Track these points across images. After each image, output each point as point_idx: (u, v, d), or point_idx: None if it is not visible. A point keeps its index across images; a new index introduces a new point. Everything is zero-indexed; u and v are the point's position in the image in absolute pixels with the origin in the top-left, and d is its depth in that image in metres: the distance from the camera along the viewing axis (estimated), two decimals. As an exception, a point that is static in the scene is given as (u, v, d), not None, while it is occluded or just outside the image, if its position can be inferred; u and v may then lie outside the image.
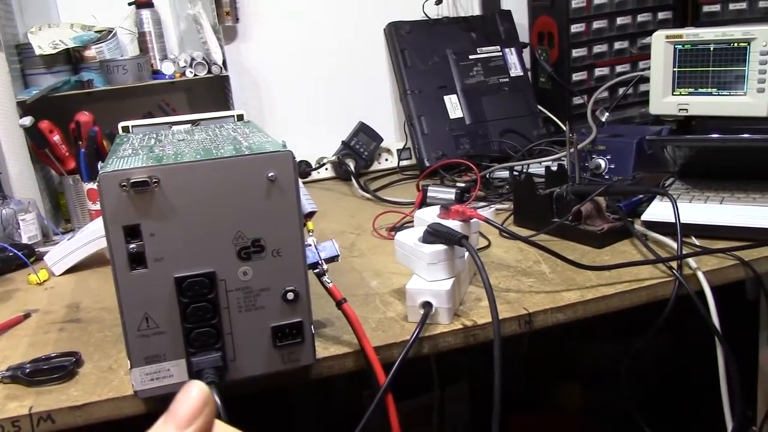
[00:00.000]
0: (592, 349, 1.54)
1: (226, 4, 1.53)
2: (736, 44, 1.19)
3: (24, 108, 1.33)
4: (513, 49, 1.73)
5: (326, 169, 1.66)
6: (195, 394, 0.31)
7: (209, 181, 0.61)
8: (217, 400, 0.56)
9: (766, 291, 1.03)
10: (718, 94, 1.22)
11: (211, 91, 1.57)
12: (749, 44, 1.17)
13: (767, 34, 1.16)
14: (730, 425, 0.89)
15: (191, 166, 0.61)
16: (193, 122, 0.99)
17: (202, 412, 0.31)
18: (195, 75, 1.45)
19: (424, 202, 1.24)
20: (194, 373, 0.63)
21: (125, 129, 0.97)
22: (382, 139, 1.67)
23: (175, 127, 0.95)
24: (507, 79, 1.71)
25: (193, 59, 1.46)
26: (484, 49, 1.70)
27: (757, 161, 1.11)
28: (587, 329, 1.32)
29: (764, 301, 1.05)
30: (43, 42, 1.36)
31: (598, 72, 1.72)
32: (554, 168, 1.15)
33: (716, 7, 1.66)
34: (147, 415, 0.69)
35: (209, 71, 1.46)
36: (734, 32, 1.18)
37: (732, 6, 1.62)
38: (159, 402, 0.66)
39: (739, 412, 0.88)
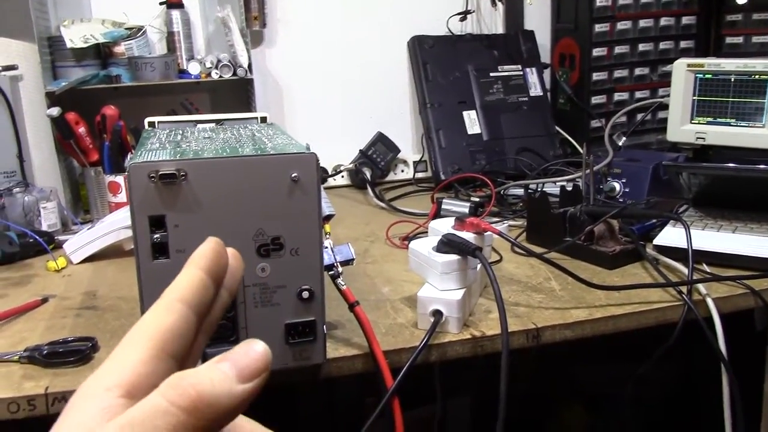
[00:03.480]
0: (599, 372, 1.54)
1: (254, 9, 1.56)
2: (757, 76, 1.19)
3: (52, 99, 1.36)
4: (534, 69, 1.75)
5: (342, 176, 1.68)
6: (260, 349, 0.26)
7: (234, 177, 0.63)
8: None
9: (774, 322, 1.03)
10: (737, 125, 1.23)
11: (235, 93, 1.59)
12: (770, 77, 1.18)
13: (788, 67, 1.17)
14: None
15: (218, 162, 0.63)
16: (218, 122, 1.01)
17: (261, 375, 0.26)
18: (220, 76, 1.48)
19: (438, 214, 1.25)
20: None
21: (151, 124, 0.99)
22: (399, 150, 1.68)
23: (199, 126, 0.97)
24: (526, 98, 1.72)
25: (219, 61, 1.48)
26: (505, 67, 1.72)
27: (772, 193, 1.12)
28: (595, 352, 1.32)
29: (772, 331, 1.05)
30: (75, 36, 1.39)
31: (618, 96, 1.73)
32: (569, 188, 1.16)
33: (739, 39, 1.67)
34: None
35: (234, 73, 1.48)
36: (756, 64, 1.19)
37: (755, 39, 1.63)
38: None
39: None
